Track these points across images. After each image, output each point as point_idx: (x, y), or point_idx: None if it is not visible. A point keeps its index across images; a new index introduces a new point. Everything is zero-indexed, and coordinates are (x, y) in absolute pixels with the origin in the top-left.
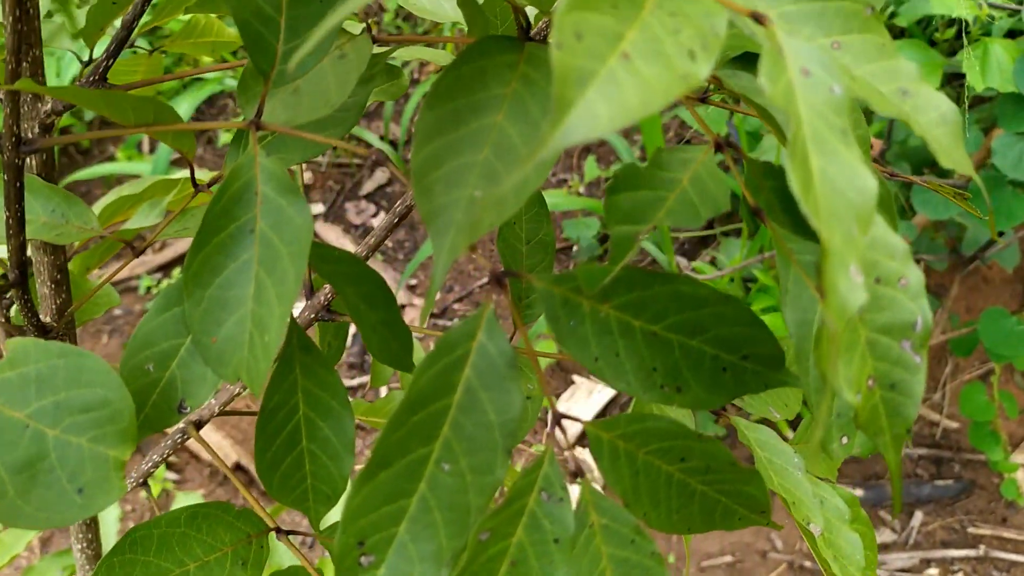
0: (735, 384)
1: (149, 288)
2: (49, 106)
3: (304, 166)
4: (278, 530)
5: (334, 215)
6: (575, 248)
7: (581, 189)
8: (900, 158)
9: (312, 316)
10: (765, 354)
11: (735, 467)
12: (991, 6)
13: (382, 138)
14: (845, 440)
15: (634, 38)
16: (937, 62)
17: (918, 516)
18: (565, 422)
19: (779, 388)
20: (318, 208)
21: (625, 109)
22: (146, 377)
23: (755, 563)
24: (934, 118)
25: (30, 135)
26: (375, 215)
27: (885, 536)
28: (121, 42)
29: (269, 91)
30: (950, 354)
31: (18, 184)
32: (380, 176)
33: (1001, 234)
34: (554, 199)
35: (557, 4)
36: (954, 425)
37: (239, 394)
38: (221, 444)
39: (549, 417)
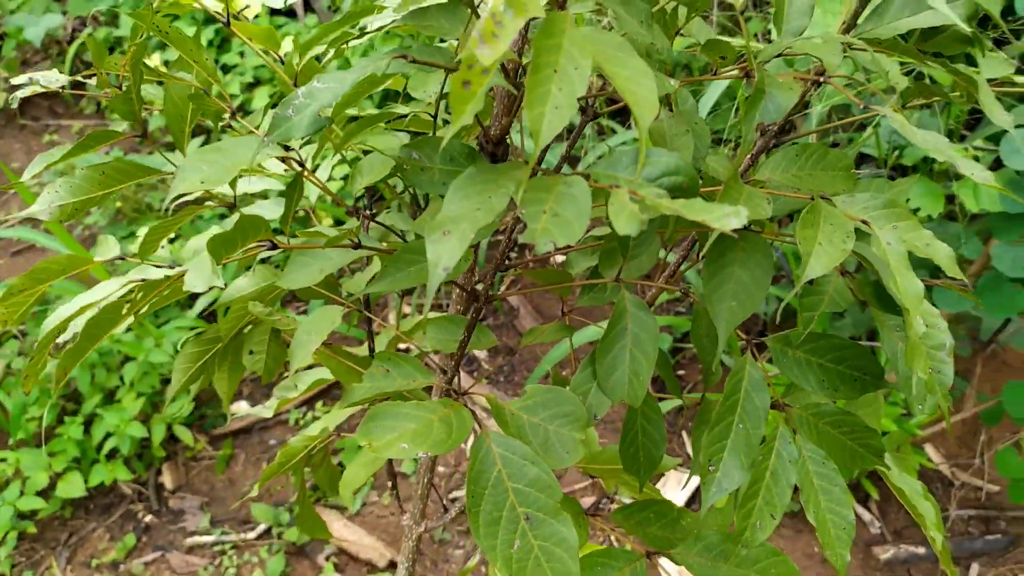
0: (861, 387)
1: (297, 420)
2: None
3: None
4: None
5: None
6: None
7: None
8: (918, 267)
9: None
10: (875, 372)
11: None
12: (975, 148)
13: None
14: (920, 408)
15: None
16: (939, 192)
17: (975, 568)
18: None
19: None
20: None
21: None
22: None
23: None
24: (944, 257)
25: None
26: None
27: None
28: None
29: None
30: (983, 427)
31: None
32: None
33: (1008, 321)
34: None
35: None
36: (996, 488)
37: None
38: (375, 545)
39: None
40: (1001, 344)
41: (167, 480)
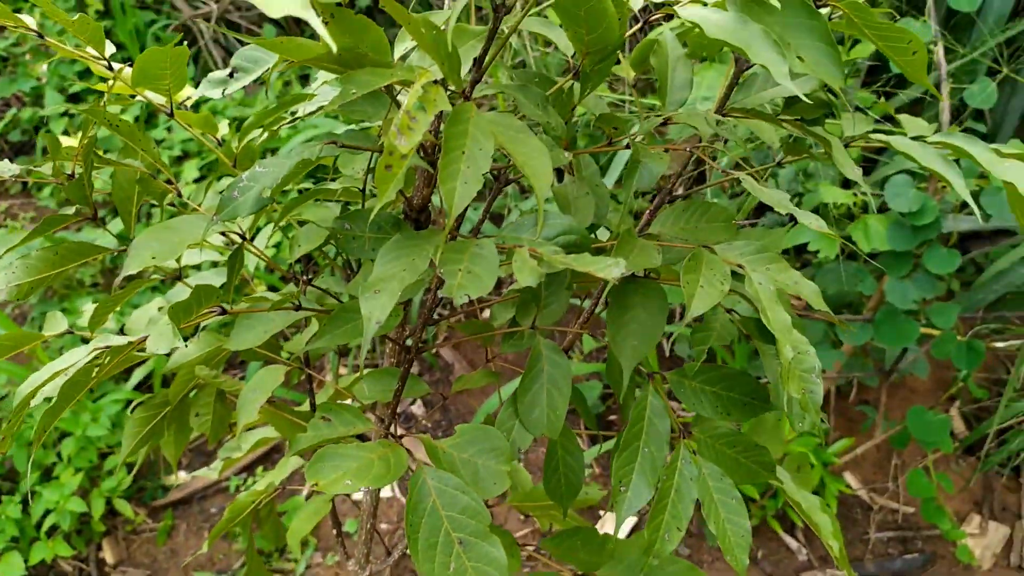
0: (751, 411)
1: (237, 486)
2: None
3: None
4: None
5: None
6: None
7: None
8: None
9: None
10: (761, 396)
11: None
12: (862, 193)
13: None
14: (800, 424)
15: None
16: (832, 236)
17: None
18: None
19: None
20: None
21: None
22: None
23: None
24: (810, 292)
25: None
26: None
27: None
28: None
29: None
30: (895, 451)
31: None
32: None
33: (905, 350)
34: None
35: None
36: (911, 509)
37: None
38: None
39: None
40: (902, 373)
41: (108, 555)
